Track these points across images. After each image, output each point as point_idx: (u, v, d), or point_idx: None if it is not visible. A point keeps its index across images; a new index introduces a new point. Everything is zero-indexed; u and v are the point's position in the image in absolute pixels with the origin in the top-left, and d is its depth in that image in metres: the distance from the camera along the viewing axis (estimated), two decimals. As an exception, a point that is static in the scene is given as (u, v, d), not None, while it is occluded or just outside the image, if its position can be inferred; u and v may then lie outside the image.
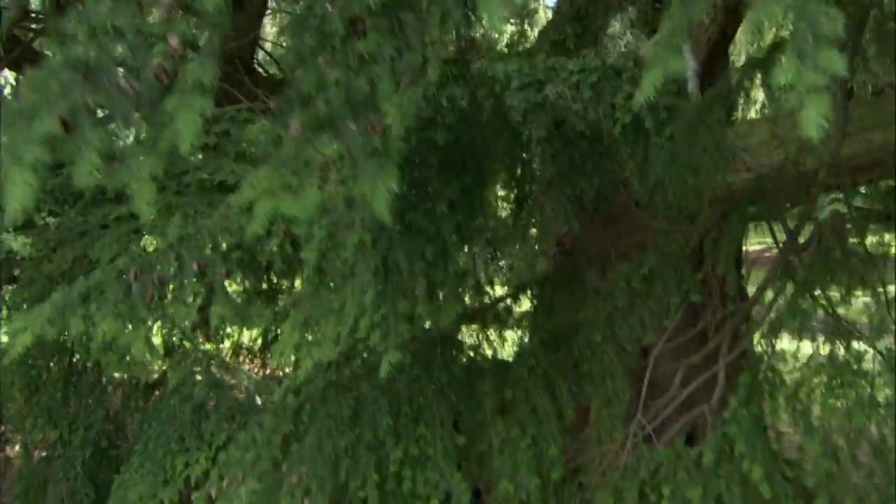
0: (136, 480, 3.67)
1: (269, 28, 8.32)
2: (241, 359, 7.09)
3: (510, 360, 3.32)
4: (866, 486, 2.39)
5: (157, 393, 4.71)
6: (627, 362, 3.26)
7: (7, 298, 4.07)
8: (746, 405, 2.69)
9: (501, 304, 3.50)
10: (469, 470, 3.00)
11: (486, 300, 3.46)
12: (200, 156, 3.67)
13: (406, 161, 2.28)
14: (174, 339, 4.50)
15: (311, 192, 1.22)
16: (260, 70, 6.80)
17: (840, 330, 2.58)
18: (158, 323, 4.10)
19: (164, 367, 4.55)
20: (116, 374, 4.58)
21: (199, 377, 4.15)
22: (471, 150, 2.36)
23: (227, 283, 2.57)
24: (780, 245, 3.03)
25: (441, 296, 2.30)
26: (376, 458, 2.90)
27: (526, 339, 3.38)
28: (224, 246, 2.51)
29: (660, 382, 3.33)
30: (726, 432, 2.70)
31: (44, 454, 4.84)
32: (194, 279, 2.50)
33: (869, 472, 2.42)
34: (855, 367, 2.45)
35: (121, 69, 1.22)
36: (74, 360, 4.46)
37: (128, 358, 3.82)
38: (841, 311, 2.74)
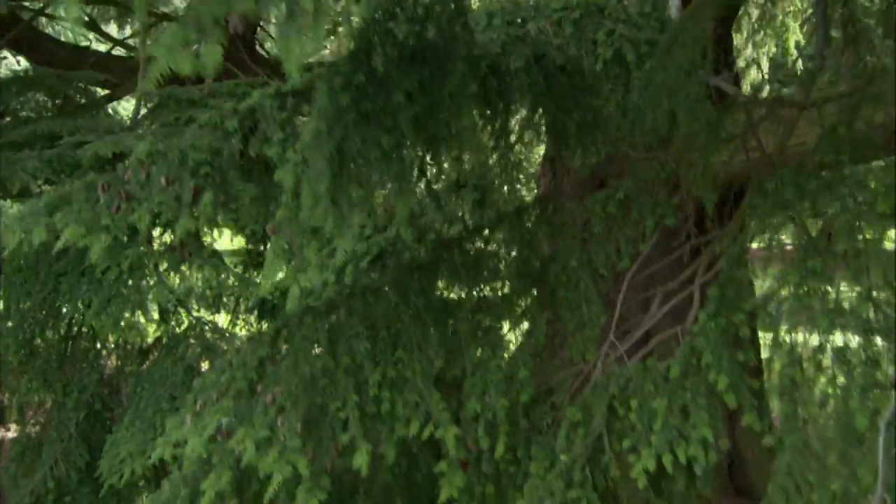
0: (126, 438, 3.73)
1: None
2: (237, 328, 7.14)
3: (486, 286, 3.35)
4: (828, 392, 2.39)
5: (150, 358, 4.77)
6: (603, 288, 3.28)
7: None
8: (714, 318, 2.70)
9: (480, 235, 3.51)
10: (444, 394, 3.03)
11: (464, 231, 3.48)
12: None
13: (363, 51, 2.30)
14: (169, 304, 4.56)
15: (213, 49, 1.23)
16: (261, 51, 6.87)
17: (814, 245, 2.56)
18: (153, 291, 4.22)
19: (159, 333, 4.60)
20: (111, 340, 4.63)
21: (192, 341, 4.21)
22: (433, 48, 2.36)
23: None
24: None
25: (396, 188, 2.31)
26: (354, 382, 2.94)
27: (502, 267, 3.39)
28: (192, 161, 2.54)
29: (636, 309, 3.34)
30: (694, 345, 2.71)
31: (39, 418, 4.98)
32: (163, 194, 2.53)
33: (831, 376, 2.41)
34: (821, 273, 2.44)
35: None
36: (70, 324, 4.52)
37: (122, 323, 3.91)
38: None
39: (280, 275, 2.54)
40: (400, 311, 3.11)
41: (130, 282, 3.93)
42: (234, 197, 2.76)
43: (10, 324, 3.98)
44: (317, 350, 3.02)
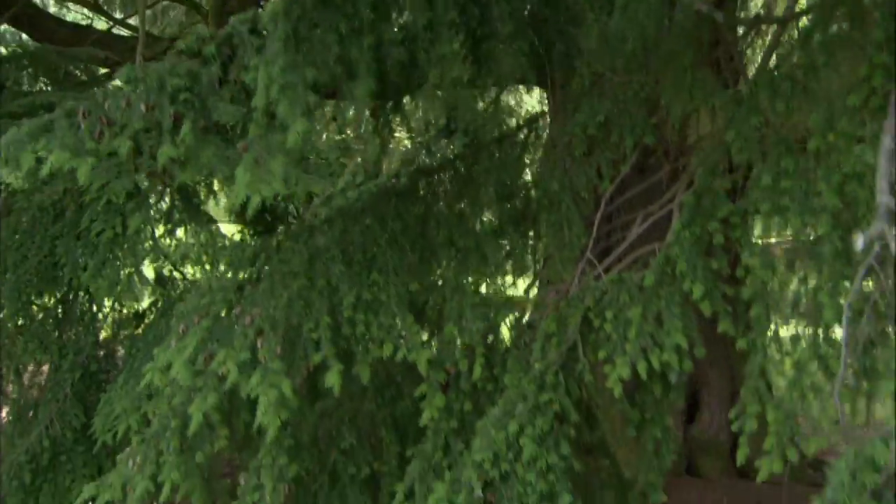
0: (120, 396, 3.74)
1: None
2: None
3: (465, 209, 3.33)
4: (800, 293, 2.37)
5: (146, 322, 4.78)
6: (584, 210, 3.25)
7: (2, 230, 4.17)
8: (689, 227, 2.67)
9: (462, 162, 3.50)
10: (422, 318, 3.03)
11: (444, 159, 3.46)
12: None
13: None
14: (165, 269, 4.58)
15: None
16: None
17: (786, 144, 2.53)
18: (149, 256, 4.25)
19: (154, 297, 4.63)
20: (107, 304, 4.65)
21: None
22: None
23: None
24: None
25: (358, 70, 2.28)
26: (329, 304, 2.94)
27: (481, 193, 3.37)
28: (170, 87, 2.52)
29: (616, 231, 3.33)
30: (669, 255, 2.69)
31: (36, 381, 5.01)
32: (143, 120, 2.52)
33: (803, 277, 2.39)
34: (793, 174, 2.40)
35: None
36: (67, 288, 4.54)
37: (118, 285, 3.92)
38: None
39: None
40: (376, 235, 3.10)
41: (126, 245, 3.93)
42: (215, 124, 2.75)
43: (6, 287, 4.01)
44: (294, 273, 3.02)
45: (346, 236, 3.12)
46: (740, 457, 2.44)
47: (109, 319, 4.67)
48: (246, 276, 3.04)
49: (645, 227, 3.10)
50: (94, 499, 3.18)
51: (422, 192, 3.26)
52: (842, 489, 1.37)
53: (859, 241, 1.66)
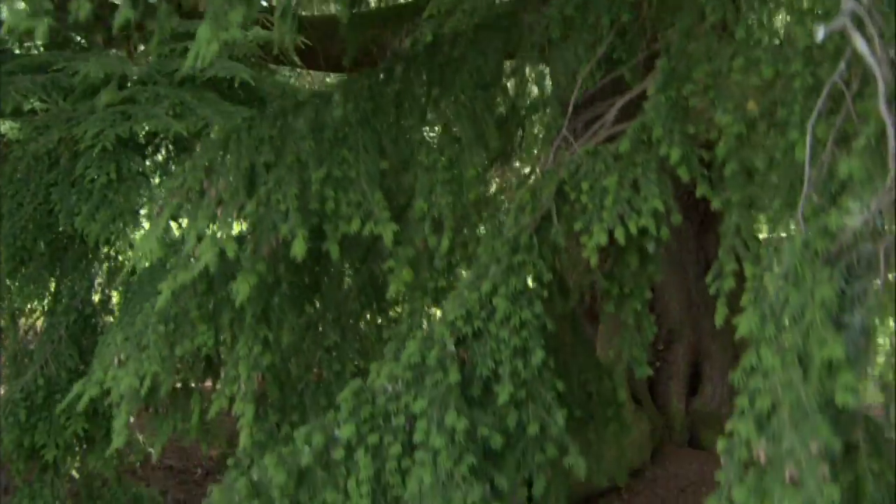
0: (116, 336, 3.74)
1: None
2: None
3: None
4: (773, 146, 2.33)
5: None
6: (563, 96, 3.21)
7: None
8: (664, 91, 2.64)
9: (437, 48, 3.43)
10: (391, 195, 3.00)
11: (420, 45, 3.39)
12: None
13: None
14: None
15: None
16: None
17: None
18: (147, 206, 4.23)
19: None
20: (102, 252, 4.64)
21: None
22: None
23: None
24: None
25: None
26: (298, 179, 2.90)
27: (455, 76, 3.31)
28: None
29: (593, 116, 3.29)
30: (644, 122, 2.66)
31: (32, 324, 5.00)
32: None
33: (774, 121, 2.35)
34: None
35: None
36: (61, 234, 4.53)
37: (111, 227, 3.91)
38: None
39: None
40: (348, 116, 3.05)
41: (120, 190, 3.99)
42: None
43: (2, 234, 4.03)
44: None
45: (318, 117, 3.07)
46: (719, 316, 2.43)
47: (105, 267, 4.70)
48: (219, 155, 3.00)
49: (622, 107, 3.06)
50: (80, 396, 3.19)
51: (397, 76, 3.20)
52: (794, 256, 1.35)
53: (819, 32, 1.62)
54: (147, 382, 2.98)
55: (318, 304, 3.62)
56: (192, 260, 2.87)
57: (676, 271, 7.72)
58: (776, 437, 1.19)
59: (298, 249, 2.67)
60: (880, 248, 1.26)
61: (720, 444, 1.37)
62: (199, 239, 2.73)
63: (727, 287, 2.44)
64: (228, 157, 2.90)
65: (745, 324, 1.41)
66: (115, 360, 3.20)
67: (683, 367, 7.45)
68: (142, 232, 4.45)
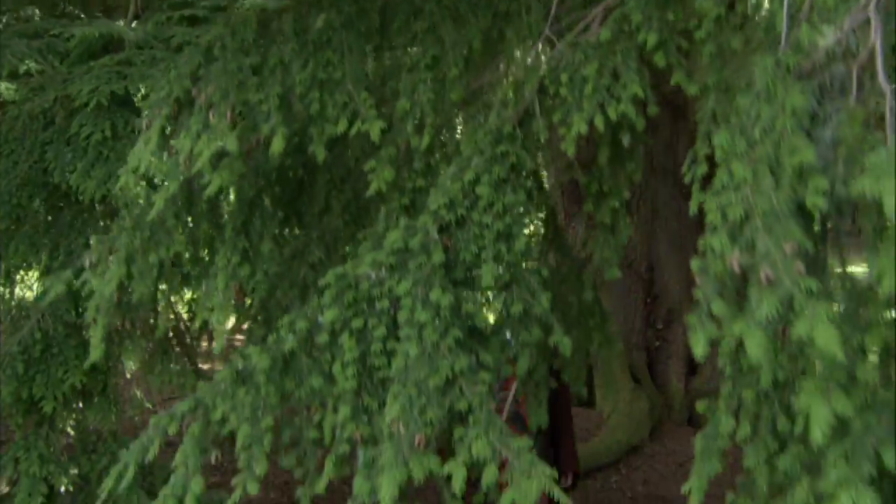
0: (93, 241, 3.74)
1: None
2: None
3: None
4: (752, 27, 2.35)
5: None
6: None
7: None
8: (645, -21, 2.63)
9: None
10: (376, 95, 3.00)
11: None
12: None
13: None
14: (156, 179, 4.57)
15: None
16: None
17: None
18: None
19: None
20: (98, 209, 4.62)
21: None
22: None
23: None
24: None
25: None
26: (282, 81, 2.90)
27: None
28: None
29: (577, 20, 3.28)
30: (625, 11, 2.65)
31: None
32: None
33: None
34: None
35: None
36: (56, 192, 4.51)
37: (106, 185, 3.89)
38: None
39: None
40: (332, 20, 3.03)
41: (115, 147, 4.01)
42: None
43: None
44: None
45: (301, 22, 3.05)
46: (694, 203, 2.46)
47: (101, 225, 4.69)
48: (202, 61, 2.97)
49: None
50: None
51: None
52: (766, 75, 1.36)
53: None
54: (113, 284, 2.97)
55: (302, 222, 3.64)
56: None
57: (676, 250, 7.80)
58: (750, 245, 1.22)
59: (276, 146, 2.67)
60: (853, 68, 1.28)
61: (694, 264, 1.41)
62: (192, 148, 2.71)
63: (701, 172, 2.46)
64: (215, 63, 2.87)
65: (717, 143, 1.43)
66: (87, 262, 3.20)
67: (682, 347, 7.55)
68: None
